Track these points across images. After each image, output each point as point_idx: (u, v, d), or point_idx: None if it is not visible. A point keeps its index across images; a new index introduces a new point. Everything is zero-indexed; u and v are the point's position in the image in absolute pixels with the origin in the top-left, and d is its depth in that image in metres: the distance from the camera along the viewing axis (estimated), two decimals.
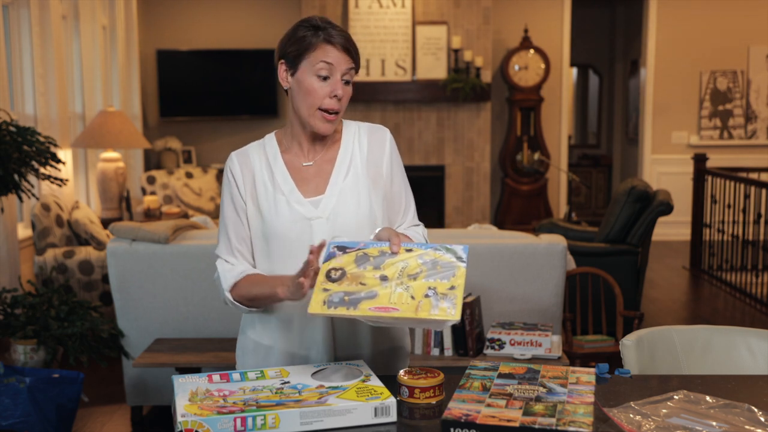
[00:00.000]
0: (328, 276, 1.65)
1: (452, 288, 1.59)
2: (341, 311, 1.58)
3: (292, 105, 1.87)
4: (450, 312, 1.55)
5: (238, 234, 1.89)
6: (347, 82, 1.83)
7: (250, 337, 1.93)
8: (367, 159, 1.90)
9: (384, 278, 1.63)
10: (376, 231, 1.77)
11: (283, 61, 1.85)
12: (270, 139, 1.94)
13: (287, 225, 1.83)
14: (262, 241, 1.86)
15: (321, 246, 1.66)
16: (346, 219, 1.84)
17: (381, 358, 1.91)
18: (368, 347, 1.90)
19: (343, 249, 1.70)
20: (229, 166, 1.90)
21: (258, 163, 1.89)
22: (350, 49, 1.82)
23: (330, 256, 1.69)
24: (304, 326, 1.85)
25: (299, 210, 1.84)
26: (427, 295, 1.58)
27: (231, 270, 1.86)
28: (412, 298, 1.58)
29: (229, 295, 1.86)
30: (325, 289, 1.62)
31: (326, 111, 1.81)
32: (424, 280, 1.61)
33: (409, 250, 1.68)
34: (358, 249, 1.70)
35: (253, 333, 1.92)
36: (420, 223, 1.99)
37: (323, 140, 1.90)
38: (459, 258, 1.65)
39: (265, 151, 1.91)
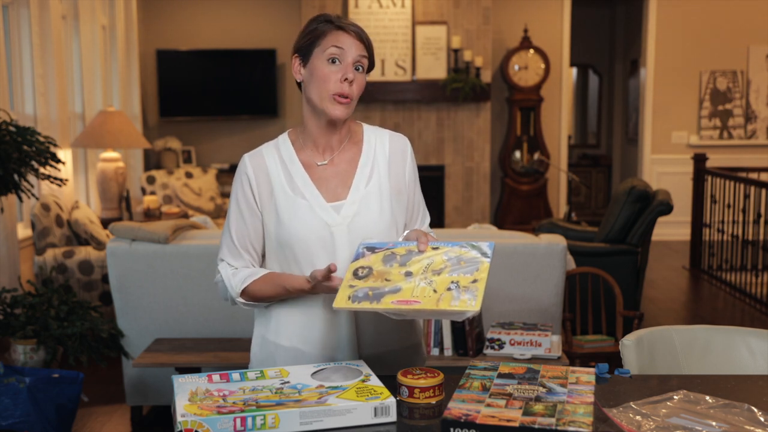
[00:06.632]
0: (355, 274, 1.67)
1: (475, 281, 1.60)
2: (365, 305, 1.59)
3: (305, 98, 1.85)
4: (470, 303, 1.55)
5: (241, 235, 1.86)
6: (359, 69, 1.81)
7: (270, 339, 1.89)
8: (389, 167, 1.89)
9: (409, 274, 1.65)
10: (405, 233, 1.81)
11: (297, 54, 1.85)
12: (284, 140, 1.90)
13: (307, 230, 1.80)
14: (278, 245, 1.84)
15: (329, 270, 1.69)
16: (368, 227, 1.82)
17: (404, 355, 1.93)
18: (393, 344, 1.90)
19: (372, 249, 1.72)
20: (241, 168, 1.86)
21: (273, 164, 1.86)
22: (363, 38, 1.81)
23: (358, 256, 1.71)
24: (328, 327, 1.84)
25: (321, 215, 1.81)
26: (449, 288, 1.59)
27: (235, 274, 1.84)
28: (435, 291, 1.59)
29: (240, 299, 1.85)
30: (351, 286, 1.64)
31: (338, 95, 1.79)
32: (448, 275, 1.62)
33: (436, 248, 1.70)
34: (387, 249, 1.72)
35: (273, 335, 1.88)
36: (431, 230, 2.00)
37: (340, 136, 1.87)
38: (484, 254, 1.67)
39: (279, 151, 1.88)
